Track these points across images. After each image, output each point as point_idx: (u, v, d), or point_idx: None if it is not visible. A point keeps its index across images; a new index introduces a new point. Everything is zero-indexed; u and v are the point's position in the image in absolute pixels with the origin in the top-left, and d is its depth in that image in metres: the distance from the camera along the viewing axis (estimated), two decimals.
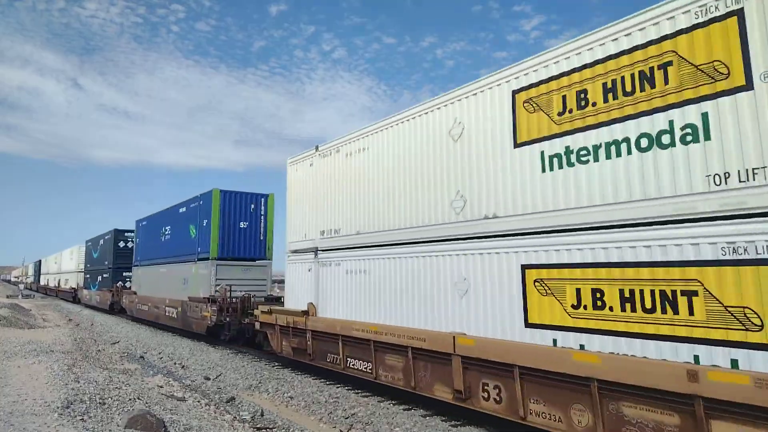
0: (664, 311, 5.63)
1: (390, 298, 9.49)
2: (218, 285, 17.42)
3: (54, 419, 6.29)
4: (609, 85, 6.39)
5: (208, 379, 12.16)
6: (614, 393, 5.91)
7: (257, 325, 13.99)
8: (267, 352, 14.29)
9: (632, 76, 6.18)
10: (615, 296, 6.07)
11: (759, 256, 5.00)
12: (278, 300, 16.94)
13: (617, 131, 6.25)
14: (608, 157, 6.32)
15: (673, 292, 5.57)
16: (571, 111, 6.77)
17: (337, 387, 11.04)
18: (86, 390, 8.17)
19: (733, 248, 5.18)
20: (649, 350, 5.71)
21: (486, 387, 7.44)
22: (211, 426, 7.59)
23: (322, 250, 11.77)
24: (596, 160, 6.44)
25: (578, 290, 6.43)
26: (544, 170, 7.01)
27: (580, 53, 6.74)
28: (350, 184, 10.95)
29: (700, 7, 5.63)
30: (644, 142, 6.00)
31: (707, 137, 5.48)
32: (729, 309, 5.18)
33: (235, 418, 8.55)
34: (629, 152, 6.13)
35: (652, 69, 6.00)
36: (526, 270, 7.06)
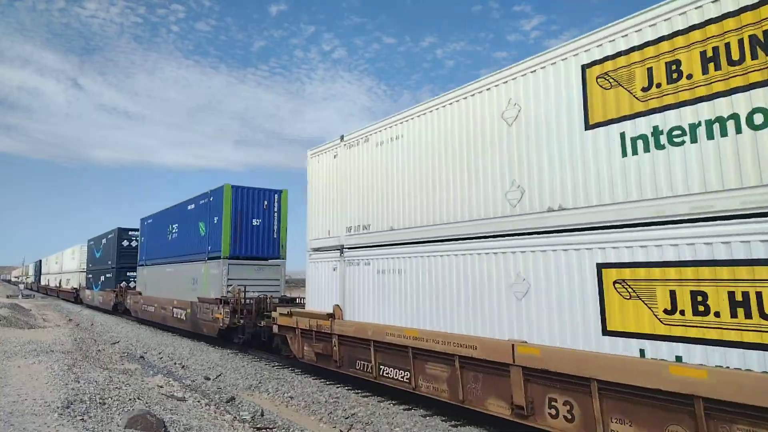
0: None
1: (429, 300, 8.58)
2: (230, 285, 16.52)
3: (54, 419, 6.21)
4: (709, 54, 5.47)
5: (208, 379, 12.07)
6: (725, 414, 5.00)
7: (275, 329, 13.08)
8: (286, 357, 13.37)
9: (740, 42, 5.26)
10: (723, 300, 5.15)
11: None
12: (293, 301, 16.05)
13: (722, 107, 5.34)
14: (710, 137, 5.41)
15: None
16: (659, 85, 5.85)
17: (337, 387, 10.96)
18: (86, 390, 8.08)
19: None
20: None
21: (554, 403, 6.53)
22: (211, 426, 7.55)
23: (349, 248, 10.85)
24: (694, 140, 5.52)
25: (672, 293, 5.52)
26: (624, 154, 6.10)
27: (669, 19, 5.82)
28: (382, 176, 10.04)
29: None
30: (758, 119, 5.08)
31: None
32: None
33: (235, 418, 8.49)
34: (738, 131, 5.21)
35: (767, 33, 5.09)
36: (604, 269, 6.15)
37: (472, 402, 7.63)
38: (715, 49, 5.43)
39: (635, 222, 5.93)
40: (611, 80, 6.31)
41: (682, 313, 5.43)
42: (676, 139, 5.66)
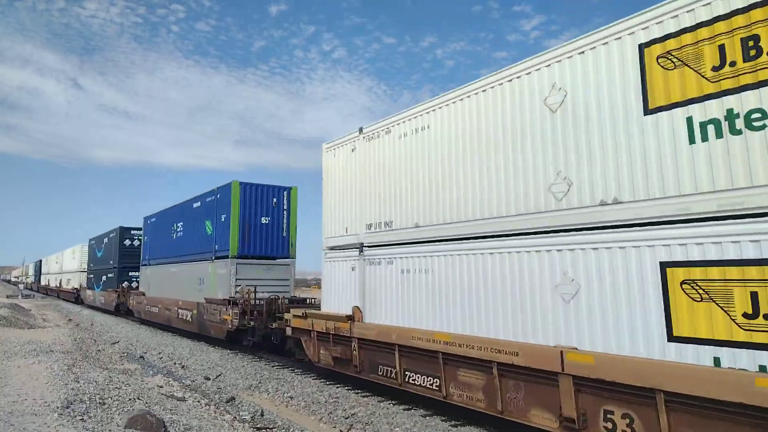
0: None
1: (461, 302, 7.98)
2: (238, 285, 15.92)
3: (54, 419, 6.20)
4: None
5: (208, 379, 12.01)
6: None
7: (288, 331, 12.47)
8: (299, 360, 12.77)
9: None
10: None
11: None
12: (303, 302, 15.47)
13: None
14: None
15: None
16: (733, 64, 5.25)
17: (337, 387, 10.92)
18: (86, 390, 8.04)
19: None
20: None
21: (610, 415, 5.93)
22: (211, 426, 7.53)
23: (369, 246, 10.25)
24: None
25: (754, 294, 4.92)
26: (692, 141, 5.50)
27: None
28: (406, 169, 9.44)
29: None
30: None
31: None
32: None
33: (235, 418, 8.47)
34: None
35: None
36: (669, 269, 5.55)
37: (513, 413, 7.02)
38: None
39: (706, 216, 5.33)
40: (675, 60, 5.71)
41: (766, 317, 4.84)
42: (755, 123, 5.06)
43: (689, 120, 5.53)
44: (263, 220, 16.79)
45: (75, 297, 42.26)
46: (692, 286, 5.34)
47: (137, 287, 27.24)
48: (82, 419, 6.45)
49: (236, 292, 15.81)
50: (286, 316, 12.56)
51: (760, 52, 5.08)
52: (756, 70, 5.10)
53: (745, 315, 4.97)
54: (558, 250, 6.68)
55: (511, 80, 7.56)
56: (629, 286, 5.89)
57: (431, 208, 8.78)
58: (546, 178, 6.94)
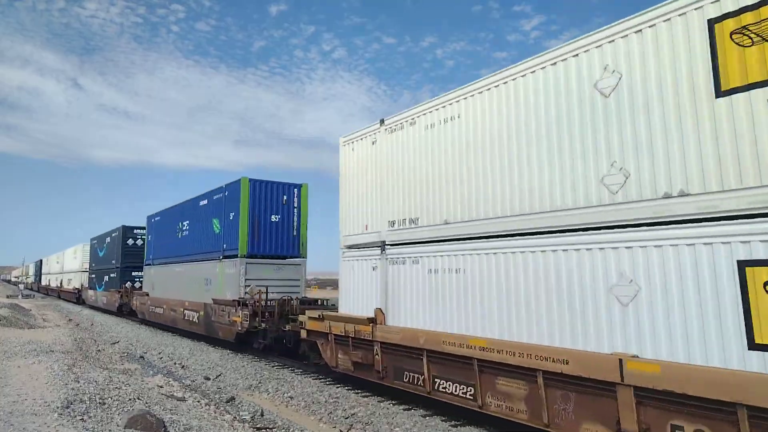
0: None
1: (499, 305, 7.39)
2: (248, 285, 15.33)
3: (54, 419, 6.17)
4: None
5: (208, 379, 11.97)
6: None
7: (303, 334, 11.88)
8: (315, 365, 12.18)
9: None
10: None
11: None
12: (315, 302, 14.87)
13: None
14: None
15: None
16: None
17: (337, 387, 10.87)
18: (86, 390, 8.01)
19: None
20: None
21: (678, 431, 5.33)
22: (211, 426, 7.52)
23: (392, 245, 9.66)
24: None
25: None
26: None
27: None
28: (433, 162, 8.85)
29: None
30: None
31: None
32: None
33: (235, 418, 8.46)
34: None
35: None
36: (749, 268, 4.95)
37: (561, 426, 6.43)
38: None
39: None
40: (753, 35, 5.12)
41: None
42: None
43: None
44: (273, 219, 16.19)
45: (76, 297, 41.69)
46: None
47: (140, 287, 26.67)
48: (82, 419, 6.43)
49: (246, 292, 15.23)
50: (301, 318, 11.96)
51: None
52: None
53: None
54: (613, 248, 6.08)
55: (554, 63, 6.97)
56: (700, 287, 5.30)
57: (463, 203, 8.18)
58: (598, 169, 6.34)
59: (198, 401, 9.20)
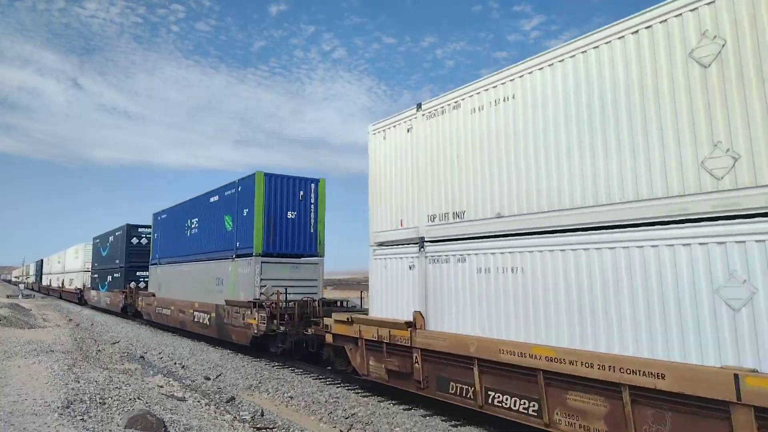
0: None
1: (567, 309, 6.50)
2: (263, 286, 14.45)
3: (54, 419, 6.15)
4: None
5: (208, 379, 11.93)
6: None
7: (329, 338, 10.99)
8: (341, 372, 11.28)
9: None
10: None
11: None
12: (334, 304, 13.99)
13: None
14: None
15: None
16: None
17: (337, 387, 10.84)
18: (86, 390, 7.99)
19: None
20: None
21: None
22: (211, 426, 7.51)
23: (432, 241, 8.77)
24: None
25: None
26: None
27: None
28: (482, 149, 7.95)
29: None
30: None
31: None
32: None
33: (235, 418, 8.46)
34: None
35: None
36: None
37: None
38: None
39: None
40: None
41: None
42: None
43: None
44: (289, 215, 15.30)
45: (78, 298, 40.84)
46: None
47: (146, 288, 25.79)
48: (83, 419, 6.40)
49: (261, 293, 14.34)
50: (327, 321, 11.06)
51: None
52: None
53: None
54: (718, 243, 5.19)
55: (636, 31, 6.06)
56: None
57: (520, 194, 7.29)
58: (697, 151, 5.44)
59: (198, 401, 9.21)
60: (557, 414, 6.51)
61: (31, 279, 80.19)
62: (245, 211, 15.37)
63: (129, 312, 27.14)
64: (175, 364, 14.01)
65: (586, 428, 6.18)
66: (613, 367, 5.77)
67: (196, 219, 18.99)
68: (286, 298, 13.37)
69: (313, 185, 15.74)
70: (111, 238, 31.48)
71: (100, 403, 7.38)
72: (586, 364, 6.06)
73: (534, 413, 6.78)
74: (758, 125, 5.01)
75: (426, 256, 8.82)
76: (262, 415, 8.70)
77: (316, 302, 12.97)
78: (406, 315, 9.05)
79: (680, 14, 5.67)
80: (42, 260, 68.10)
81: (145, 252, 26.63)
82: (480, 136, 8.01)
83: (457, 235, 8.29)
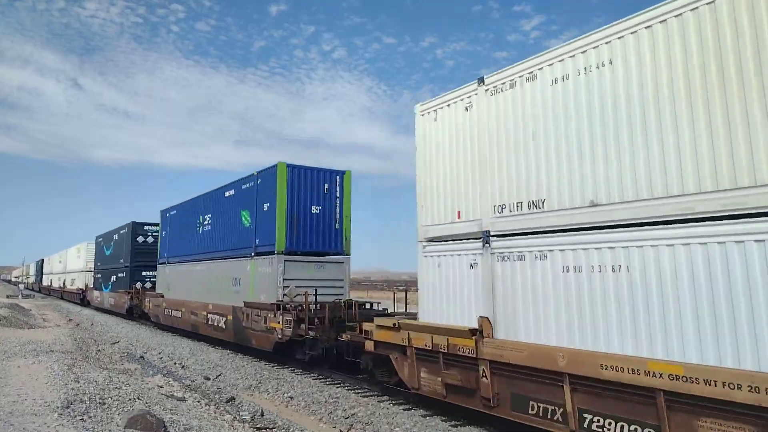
0: None
1: (693, 316, 5.30)
2: (286, 286, 13.24)
3: (54, 419, 6.12)
4: None
5: (208, 379, 11.86)
6: None
7: (369, 345, 9.79)
8: (383, 384, 10.08)
9: None
10: None
11: None
12: (363, 306, 12.77)
13: None
14: None
15: None
16: None
17: (337, 387, 10.75)
18: (86, 390, 7.98)
19: None
20: None
21: None
22: (211, 426, 7.48)
23: (500, 235, 7.57)
24: None
25: None
26: None
27: None
28: (567, 126, 6.75)
29: None
30: None
31: None
32: None
33: (235, 418, 8.45)
34: None
35: None
36: None
37: None
38: None
39: None
40: None
41: None
42: None
43: None
44: (313, 210, 14.08)
45: (80, 298, 39.66)
46: None
47: (153, 288, 24.59)
48: (82, 419, 6.41)
49: (284, 294, 13.13)
50: (367, 326, 9.85)
51: None
52: None
53: None
54: None
55: None
56: None
57: (624, 177, 6.08)
58: None
59: (198, 401, 9.20)
60: None
61: (32, 279, 79.03)
62: (266, 205, 14.15)
63: (135, 313, 25.94)
64: (175, 364, 13.92)
65: None
66: None
67: (210, 215, 17.77)
68: (316, 299, 12.16)
69: (338, 177, 14.53)
70: (115, 237, 30.27)
71: (99, 403, 7.39)
72: (731, 385, 4.86)
73: None
74: None
75: (492, 253, 7.62)
76: (262, 415, 8.67)
77: (353, 305, 11.72)
78: (466, 321, 7.87)
79: None
80: (42, 260, 66.90)
81: (151, 251, 25.44)
82: (564, 110, 6.80)
83: (534, 228, 7.09)
